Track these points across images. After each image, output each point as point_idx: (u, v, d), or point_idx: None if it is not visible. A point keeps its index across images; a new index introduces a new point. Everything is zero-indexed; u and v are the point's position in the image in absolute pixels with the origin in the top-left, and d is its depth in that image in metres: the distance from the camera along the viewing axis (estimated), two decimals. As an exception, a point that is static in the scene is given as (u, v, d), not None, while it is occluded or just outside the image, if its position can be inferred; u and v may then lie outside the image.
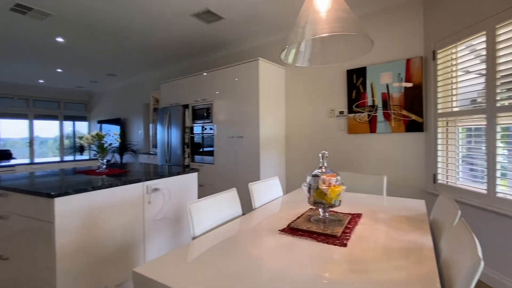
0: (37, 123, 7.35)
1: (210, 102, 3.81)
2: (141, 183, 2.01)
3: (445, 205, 1.37)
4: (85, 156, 5.22)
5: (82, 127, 8.38)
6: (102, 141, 2.23)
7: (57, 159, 4.18)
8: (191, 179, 2.48)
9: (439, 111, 2.49)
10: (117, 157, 6.36)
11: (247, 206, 1.82)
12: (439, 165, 2.51)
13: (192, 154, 4.13)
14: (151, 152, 5.86)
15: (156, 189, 2.11)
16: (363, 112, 3.07)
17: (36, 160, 3.94)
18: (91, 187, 1.69)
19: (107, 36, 3.84)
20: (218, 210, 1.45)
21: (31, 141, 7.27)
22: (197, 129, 4.05)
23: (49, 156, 7.67)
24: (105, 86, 7.45)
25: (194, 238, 1.24)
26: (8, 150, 5.72)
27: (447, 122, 2.44)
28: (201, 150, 4.01)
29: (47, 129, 7.67)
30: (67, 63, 5.22)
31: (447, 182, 2.42)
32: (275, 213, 1.54)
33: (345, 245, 1.05)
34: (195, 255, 1.02)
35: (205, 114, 3.90)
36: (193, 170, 2.49)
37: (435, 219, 1.42)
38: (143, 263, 2.00)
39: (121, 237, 1.86)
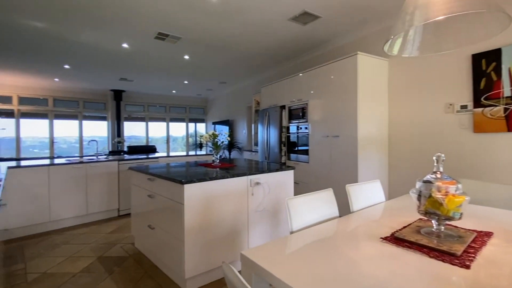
0: (171, 124, 9.62)
1: (306, 102, 3.84)
2: (246, 177, 2.28)
3: None
4: (203, 151, 6.27)
5: (201, 127, 10.26)
6: (216, 140, 2.66)
7: (184, 153, 5.22)
8: (288, 176, 2.60)
9: None
10: (226, 153, 7.32)
11: (343, 208, 1.78)
12: None
13: (288, 152, 4.28)
14: (253, 150, 6.44)
15: (258, 183, 2.34)
16: (496, 106, 2.40)
17: (171, 154, 5.04)
18: (208, 177, 2.06)
19: (219, 50, 4.48)
20: (314, 208, 1.49)
21: (167, 139, 9.50)
22: (292, 128, 4.17)
23: (178, 151, 9.72)
24: (218, 92, 8.70)
25: (291, 232, 1.32)
26: (154, 146, 7.63)
27: None
28: (296, 149, 4.11)
29: (177, 129, 9.89)
30: (191, 76, 6.42)
31: None
32: (376, 219, 1.45)
33: (467, 266, 0.89)
34: (293, 249, 1.10)
35: (301, 114, 3.96)
36: (290, 168, 2.61)
37: None
38: (247, 248, 2.27)
39: (230, 223, 2.17)
